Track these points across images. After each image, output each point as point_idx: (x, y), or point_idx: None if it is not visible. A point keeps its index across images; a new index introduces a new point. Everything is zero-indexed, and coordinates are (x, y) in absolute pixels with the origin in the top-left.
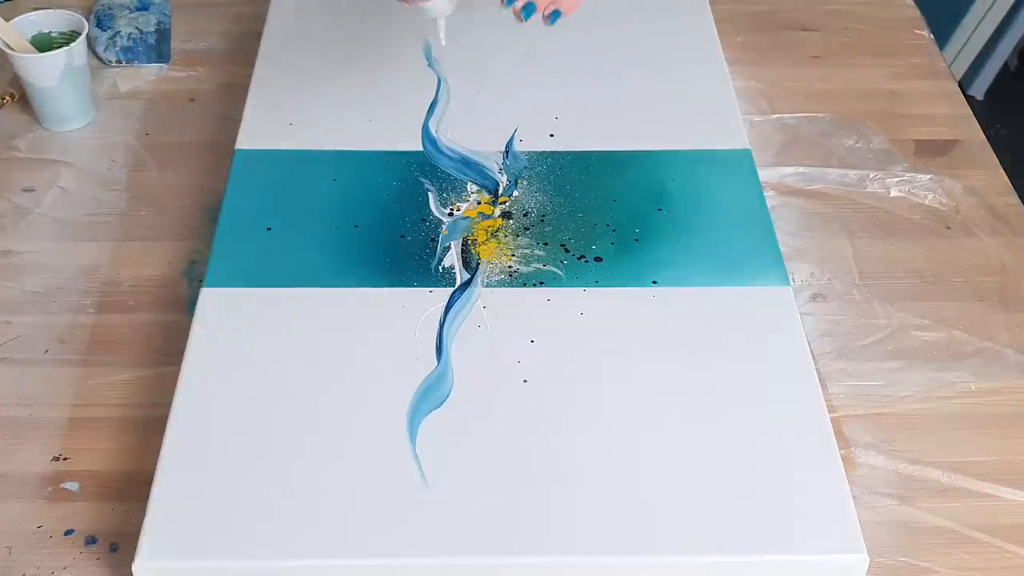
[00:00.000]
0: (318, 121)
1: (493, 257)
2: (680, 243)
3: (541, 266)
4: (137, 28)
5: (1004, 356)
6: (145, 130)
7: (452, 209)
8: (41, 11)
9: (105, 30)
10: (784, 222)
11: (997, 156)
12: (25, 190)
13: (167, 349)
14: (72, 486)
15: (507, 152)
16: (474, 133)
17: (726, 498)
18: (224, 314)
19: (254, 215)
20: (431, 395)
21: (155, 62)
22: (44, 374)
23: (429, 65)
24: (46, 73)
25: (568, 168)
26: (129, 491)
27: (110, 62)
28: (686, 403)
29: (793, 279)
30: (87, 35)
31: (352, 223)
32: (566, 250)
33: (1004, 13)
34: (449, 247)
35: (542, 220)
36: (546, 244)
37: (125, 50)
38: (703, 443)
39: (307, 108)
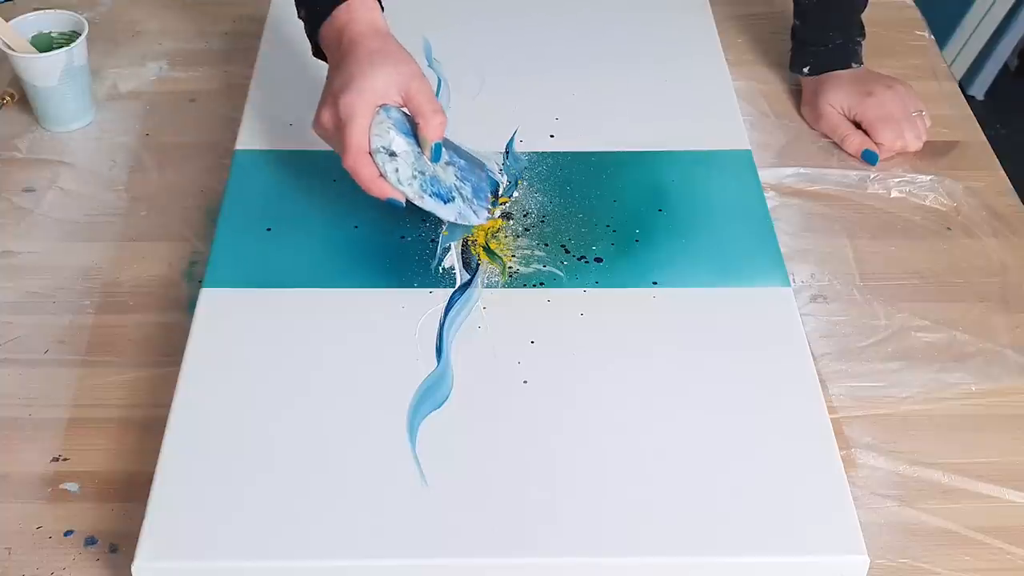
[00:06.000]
0: None
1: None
2: (680, 244)
3: (541, 267)
4: None
5: (1005, 357)
6: (145, 130)
7: None
8: (41, 11)
9: None
10: (784, 223)
11: (997, 156)
12: (25, 190)
13: (167, 349)
14: (72, 487)
15: (507, 152)
16: (474, 133)
17: (726, 499)
18: (224, 314)
19: (254, 215)
20: (431, 396)
21: None
22: (44, 374)
23: (429, 65)
24: (46, 73)
25: (568, 169)
26: (129, 491)
27: None
28: (686, 404)
29: (793, 280)
30: (87, 35)
31: (352, 223)
32: (566, 251)
33: (1004, 13)
34: (449, 248)
35: (542, 221)
36: (546, 245)
37: None
38: (703, 444)
39: (307, 108)
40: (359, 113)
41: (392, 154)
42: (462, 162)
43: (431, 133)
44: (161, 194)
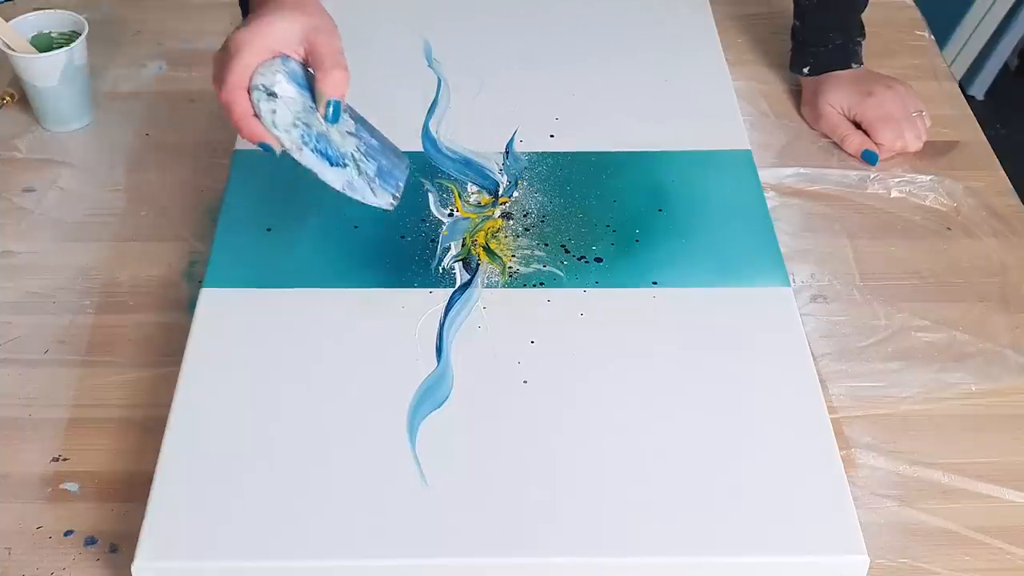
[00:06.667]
0: None
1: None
2: (680, 244)
3: (541, 267)
4: None
5: (1005, 357)
6: (145, 130)
7: (452, 209)
8: (41, 11)
9: None
10: (784, 223)
11: (997, 156)
12: (25, 190)
13: (167, 349)
14: (72, 487)
15: (507, 153)
16: (474, 134)
17: (726, 499)
18: (224, 314)
19: (254, 215)
20: (431, 395)
21: None
22: (44, 374)
23: (429, 65)
24: (46, 73)
25: (568, 169)
26: (129, 491)
27: None
28: (686, 404)
29: (793, 280)
30: (87, 35)
31: (352, 223)
32: (566, 251)
33: (1004, 13)
34: (449, 247)
35: (542, 221)
36: (546, 245)
37: None
38: (703, 444)
39: None
40: (247, 50)
41: (271, 95)
42: (374, 142)
43: (329, 87)
44: (161, 194)
